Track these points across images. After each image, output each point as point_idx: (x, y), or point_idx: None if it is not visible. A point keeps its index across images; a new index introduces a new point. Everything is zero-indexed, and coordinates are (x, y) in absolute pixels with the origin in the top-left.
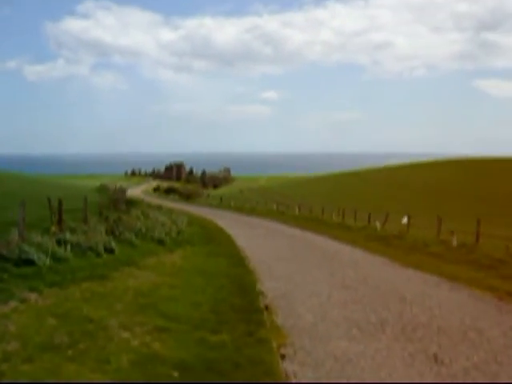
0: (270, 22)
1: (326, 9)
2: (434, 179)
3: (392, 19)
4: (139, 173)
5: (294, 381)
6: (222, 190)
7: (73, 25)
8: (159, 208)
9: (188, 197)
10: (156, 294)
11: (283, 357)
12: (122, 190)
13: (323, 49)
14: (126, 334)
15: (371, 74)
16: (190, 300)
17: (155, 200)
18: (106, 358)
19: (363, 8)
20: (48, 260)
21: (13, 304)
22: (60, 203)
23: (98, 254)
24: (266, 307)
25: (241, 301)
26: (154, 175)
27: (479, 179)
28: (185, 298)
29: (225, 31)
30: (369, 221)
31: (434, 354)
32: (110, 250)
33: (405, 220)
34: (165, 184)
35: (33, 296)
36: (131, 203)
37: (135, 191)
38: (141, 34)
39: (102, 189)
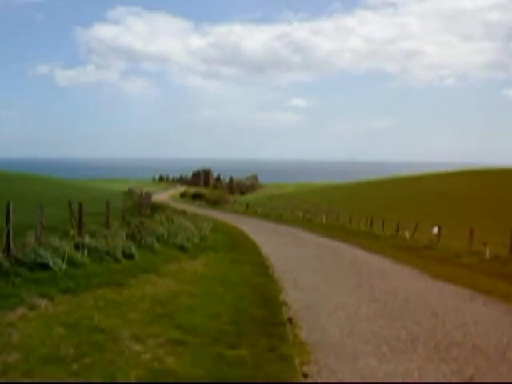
0: (300, 30)
1: (354, 16)
2: (464, 189)
3: (422, 27)
4: (167, 178)
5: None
6: (249, 197)
7: (103, 31)
8: (184, 213)
9: (214, 203)
10: (174, 302)
11: (306, 376)
12: (148, 195)
13: (352, 57)
14: (137, 347)
15: (401, 83)
16: (210, 310)
17: (181, 205)
18: (112, 374)
19: (392, 16)
20: (64, 265)
21: (21, 311)
22: (81, 206)
23: (117, 260)
24: (290, 320)
25: (263, 312)
26: (182, 181)
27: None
28: (204, 308)
29: (254, 38)
30: (397, 230)
31: (470, 376)
32: (129, 256)
33: (435, 230)
34: (192, 190)
35: (43, 303)
36: (156, 208)
37: (162, 196)
38: (170, 41)
39: (129, 193)
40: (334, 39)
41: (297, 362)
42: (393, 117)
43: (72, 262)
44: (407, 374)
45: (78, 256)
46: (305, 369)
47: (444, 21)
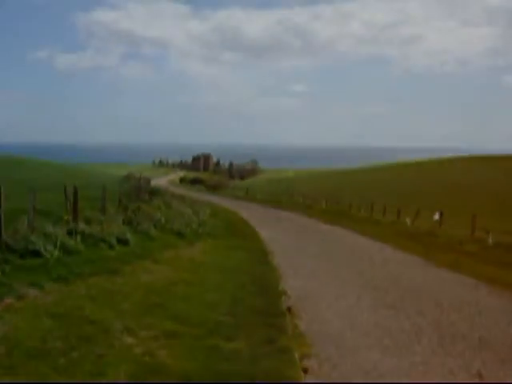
0: (300, 15)
1: (355, 1)
2: (464, 175)
3: (423, 13)
4: (167, 163)
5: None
6: (249, 182)
7: (103, 15)
8: (182, 198)
9: (214, 188)
10: (169, 291)
11: (306, 371)
12: (146, 180)
13: (352, 42)
14: (129, 340)
15: (401, 68)
16: (206, 300)
17: (180, 190)
18: (101, 370)
19: (393, 1)
20: (56, 252)
21: (8, 301)
22: (76, 191)
23: (112, 246)
24: (289, 309)
25: (261, 301)
26: (182, 166)
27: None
28: (200, 298)
29: (255, 23)
30: (398, 216)
31: (477, 371)
32: (124, 242)
33: (436, 216)
34: (191, 175)
35: (33, 292)
36: (154, 193)
37: (161, 181)
38: (170, 26)
39: (128, 178)
40: (334, 24)
41: (296, 355)
42: (394, 102)
43: (65, 249)
44: (412, 368)
45: (71, 242)
46: (305, 363)
47: (444, 6)
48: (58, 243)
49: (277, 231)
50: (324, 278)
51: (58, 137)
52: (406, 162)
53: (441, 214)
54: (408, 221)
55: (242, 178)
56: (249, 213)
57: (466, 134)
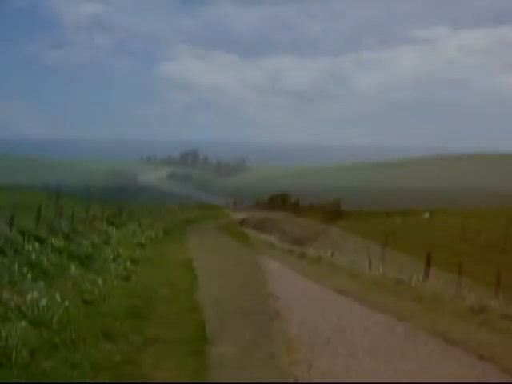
0: (290, 12)
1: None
2: (456, 174)
3: (412, 13)
4: (155, 159)
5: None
6: (237, 178)
7: (89, 9)
8: (170, 195)
9: (202, 184)
10: (151, 292)
11: (295, 379)
12: (134, 176)
13: (342, 39)
14: (107, 346)
15: (389, 67)
16: (191, 301)
17: (168, 187)
18: (75, 380)
19: (383, 0)
20: (36, 249)
21: None
22: (59, 188)
23: (94, 244)
24: (277, 313)
25: (249, 304)
26: (170, 162)
27: (506, 175)
28: (185, 299)
29: (245, 20)
30: (387, 215)
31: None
32: (107, 240)
33: (426, 215)
34: (179, 171)
35: (9, 291)
36: (142, 189)
37: (149, 177)
38: (159, 21)
39: (115, 174)
40: (325, 21)
41: (285, 361)
42: (383, 100)
43: (45, 246)
44: (409, 373)
45: (52, 240)
46: (294, 371)
47: (433, 6)
48: (37, 241)
49: (262, 230)
50: (313, 279)
51: (45, 133)
52: (396, 161)
53: (431, 214)
54: (398, 220)
55: (229, 175)
56: (236, 211)
57: (458, 133)
